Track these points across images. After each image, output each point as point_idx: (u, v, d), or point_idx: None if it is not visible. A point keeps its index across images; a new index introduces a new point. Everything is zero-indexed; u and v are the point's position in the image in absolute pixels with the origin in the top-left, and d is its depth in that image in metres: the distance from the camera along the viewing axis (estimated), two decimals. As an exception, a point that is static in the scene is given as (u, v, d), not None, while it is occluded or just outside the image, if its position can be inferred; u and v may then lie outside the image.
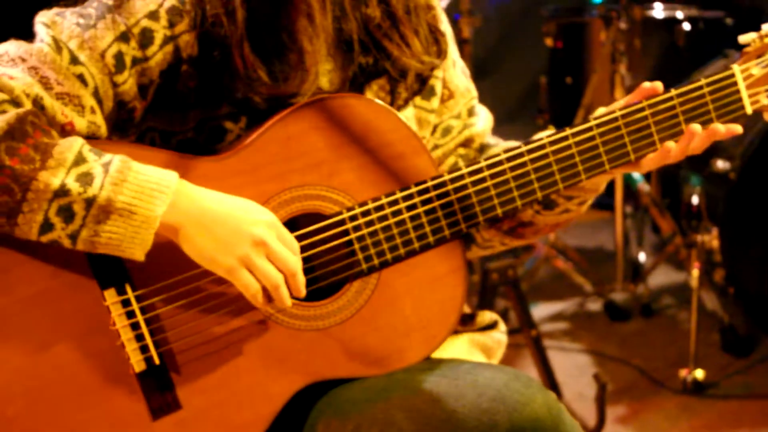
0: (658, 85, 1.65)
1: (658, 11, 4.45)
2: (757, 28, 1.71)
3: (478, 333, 1.81)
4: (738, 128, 1.66)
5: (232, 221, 1.47)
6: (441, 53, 1.72)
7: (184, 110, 1.60)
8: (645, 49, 4.42)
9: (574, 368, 3.67)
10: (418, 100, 1.74)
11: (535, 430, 1.44)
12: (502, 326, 1.86)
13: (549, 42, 4.70)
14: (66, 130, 1.50)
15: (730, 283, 3.57)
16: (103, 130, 1.54)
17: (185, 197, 1.46)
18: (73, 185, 1.42)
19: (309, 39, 1.57)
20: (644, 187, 4.10)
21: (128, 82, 1.54)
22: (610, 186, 4.14)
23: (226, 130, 1.61)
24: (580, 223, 4.55)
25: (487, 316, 1.84)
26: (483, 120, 1.85)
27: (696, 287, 3.54)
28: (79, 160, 1.44)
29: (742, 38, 1.69)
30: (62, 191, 1.42)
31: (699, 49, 4.35)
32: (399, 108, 1.70)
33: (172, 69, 1.57)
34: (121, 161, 1.45)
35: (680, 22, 4.33)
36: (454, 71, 1.80)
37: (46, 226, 1.43)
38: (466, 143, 1.82)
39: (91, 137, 1.52)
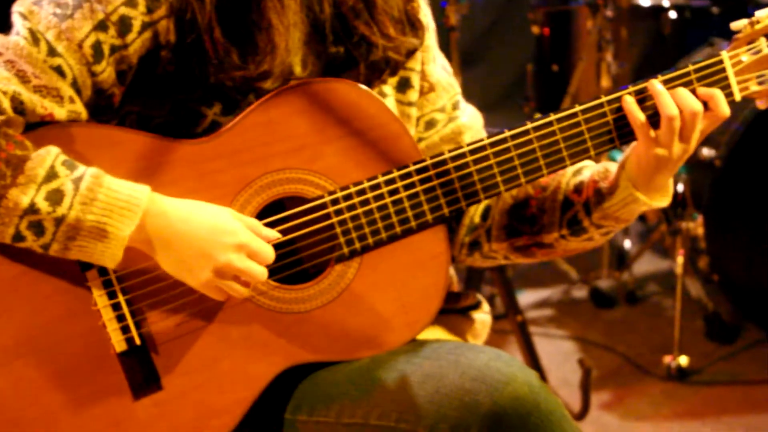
0: None
1: (645, -1, 4.46)
2: (744, 17, 1.70)
3: (460, 315, 1.82)
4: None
5: (198, 245, 1.49)
6: (416, 38, 1.70)
7: (161, 95, 1.59)
8: (631, 37, 4.41)
9: (559, 354, 3.68)
10: (396, 94, 1.74)
11: (516, 408, 1.45)
12: (486, 307, 1.86)
13: (536, 29, 4.69)
14: (46, 121, 1.50)
15: (715, 271, 3.58)
16: (84, 116, 1.54)
17: (154, 217, 1.47)
18: (43, 204, 1.43)
19: (277, 14, 1.56)
20: (630, 174, 4.10)
21: (106, 71, 1.53)
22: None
23: (201, 114, 1.60)
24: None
25: (470, 296, 1.84)
26: (469, 115, 1.83)
27: (680, 274, 3.56)
28: (51, 175, 1.44)
29: (734, 24, 1.68)
30: (31, 209, 1.43)
31: (685, 38, 4.36)
32: None
33: (151, 55, 1.56)
34: (92, 177, 1.45)
35: (666, 10, 4.33)
36: (434, 65, 1.79)
37: (18, 238, 1.45)
38: (454, 136, 1.80)
39: (74, 122, 1.52)
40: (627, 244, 4.30)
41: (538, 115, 1.65)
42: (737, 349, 3.66)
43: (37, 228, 1.44)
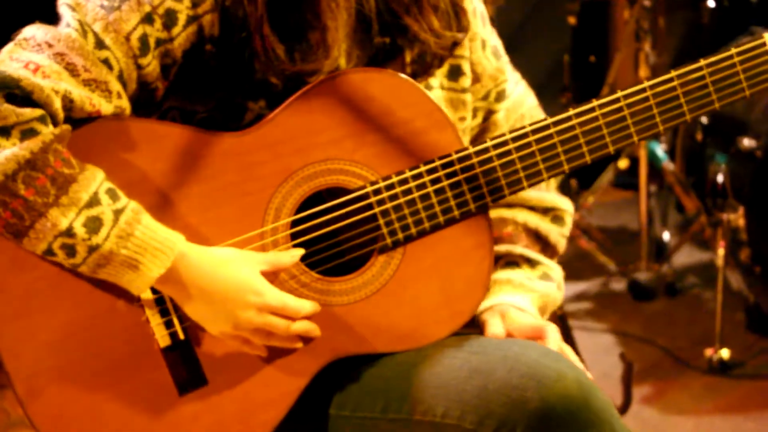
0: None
1: (683, -12, 4.42)
2: None
3: None
4: None
5: (220, 303, 1.51)
6: (461, 29, 1.69)
7: (205, 90, 1.59)
8: (669, 27, 4.37)
9: (599, 348, 3.65)
10: (445, 81, 1.72)
11: (565, 406, 1.43)
12: None
13: (572, 20, 4.66)
14: (93, 117, 1.50)
15: (756, 262, 3.54)
16: (128, 111, 1.54)
17: (183, 265, 1.49)
18: (80, 229, 1.43)
19: (332, 16, 1.56)
20: (669, 165, 4.07)
21: (152, 64, 1.53)
22: (634, 165, 4.11)
23: (246, 108, 1.60)
24: (604, 203, 4.54)
25: None
26: (506, 108, 1.81)
27: (721, 266, 3.52)
28: (93, 201, 1.45)
29: None
30: (68, 232, 1.43)
31: (724, 27, 4.30)
32: None
33: (195, 49, 1.56)
34: (133, 212, 1.47)
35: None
36: (483, 53, 1.77)
37: (49, 253, 1.46)
38: (486, 127, 1.80)
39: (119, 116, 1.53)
40: (666, 235, 4.26)
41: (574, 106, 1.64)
42: (779, 342, 3.63)
43: (70, 250, 1.45)
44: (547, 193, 1.82)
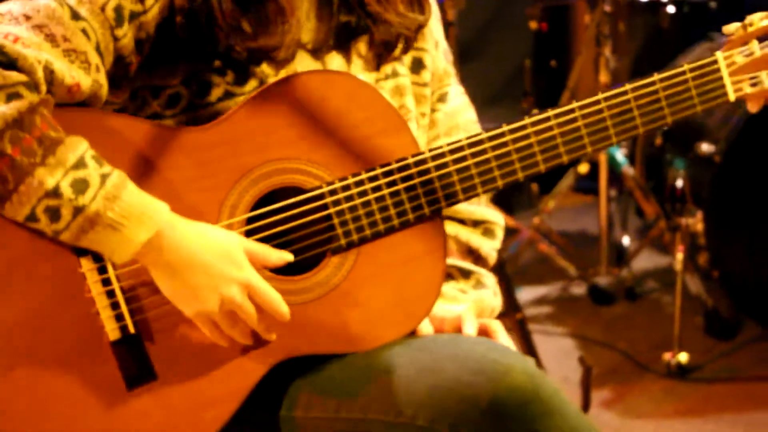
0: None
1: (643, -6, 4.44)
2: (741, 12, 1.71)
3: None
4: None
5: (204, 275, 1.48)
6: (424, 13, 1.70)
7: (173, 63, 1.59)
8: (629, 31, 4.40)
9: (559, 352, 3.66)
10: (410, 75, 1.73)
11: (516, 399, 1.43)
12: None
13: (533, 25, 4.68)
14: (72, 91, 1.49)
15: (715, 267, 3.57)
16: (105, 90, 1.54)
17: (169, 233, 1.47)
18: (67, 190, 1.42)
19: None
20: (628, 170, 4.09)
21: (128, 35, 1.53)
22: (595, 170, 4.13)
23: (212, 84, 1.60)
24: (564, 207, 4.55)
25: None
26: (446, 111, 1.81)
27: (680, 271, 3.54)
28: (80, 164, 1.43)
29: (726, 28, 1.70)
30: (54, 192, 1.42)
31: (683, 32, 4.34)
32: (387, 77, 1.70)
33: (167, 22, 1.56)
34: (119, 177, 1.45)
35: (665, 5, 4.31)
36: (437, 52, 1.78)
37: (32, 218, 1.43)
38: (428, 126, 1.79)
39: (92, 96, 1.52)
40: (626, 240, 4.29)
41: (535, 111, 1.64)
42: (737, 345, 3.65)
43: (54, 213, 1.43)
44: (477, 206, 1.82)
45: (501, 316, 3.52)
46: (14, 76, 1.42)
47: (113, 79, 1.56)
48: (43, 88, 1.45)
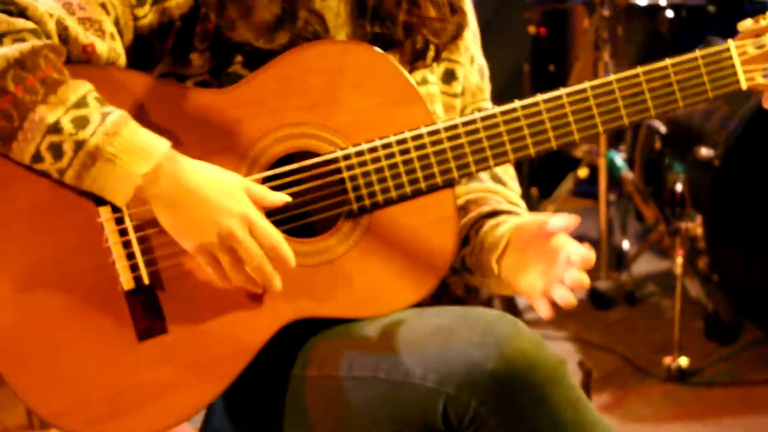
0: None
1: (641, -2, 4.44)
2: (740, 17, 1.74)
3: None
4: None
5: (205, 208, 1.49)
6: (459, 26, 1.73)
7: (200, 53, 1.62)
8: (628, 36, 4.40)
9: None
10: (440, 84, 1.76)
11: (522, 363, 1.46)
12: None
13: (532, 29, 4.68)
14: (87, 51, 1.53)
15: (714, 271, 3.57)
16: (123, 59, 1.57)
17: (168, 168, 1.48)
18: (67, 125, 1.45)
19: None
20: (628, 174, 4.09)
21: (148, 17, 1.57)
22: (594, 174, 4.14)
23: (240, 76, 1.63)
24: (564, 211, 4.54)
25: (471, 300, 1.85)
26: None
27: (680, 275, 3.54)
28: (81, 103, 1.46)
29: (741, 25, 1.72)
30: (55, 128, 1.45)
31: (682, 37, 4.35)
32: (417, 84, 1.71)
33: (193, 12, 1.59)
34: (120, 115, 1.47)
35: (663, 9, 4.31)
36: (471, 68, 1.81)
37: (37, 158, 1.46)
38: None
39: (110, 64, 1.55)
40: (625, 244, 4.29)
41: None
42: (737, 349, 3.65)
43: (56, 150, 1.45)
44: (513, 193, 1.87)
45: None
46: (20, 23, 1.46)
47: (142, 61, 1.59)
48: (54, 39, 1.48)
